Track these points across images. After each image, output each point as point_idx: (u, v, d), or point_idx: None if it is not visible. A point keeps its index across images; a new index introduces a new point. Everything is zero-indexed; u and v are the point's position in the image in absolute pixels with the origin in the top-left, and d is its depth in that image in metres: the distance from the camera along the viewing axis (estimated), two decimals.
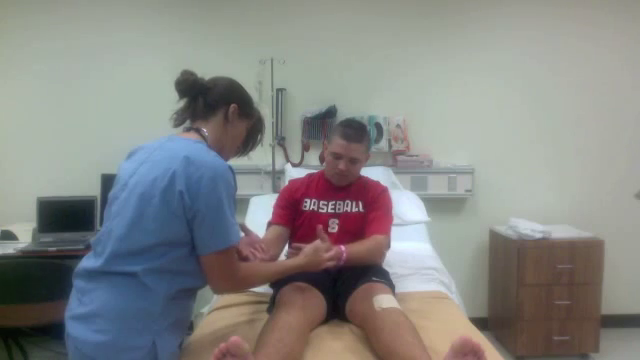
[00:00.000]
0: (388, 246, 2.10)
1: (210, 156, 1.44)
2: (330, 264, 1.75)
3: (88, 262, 1.44)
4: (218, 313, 1.96)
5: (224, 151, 1.60)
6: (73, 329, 1.38)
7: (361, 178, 2.18)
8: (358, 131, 2.06)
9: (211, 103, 1.57)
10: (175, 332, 1.47)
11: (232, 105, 1.58)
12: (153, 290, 1.37)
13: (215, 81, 1.61)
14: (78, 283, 1.44)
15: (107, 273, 1.38)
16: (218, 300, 2.12)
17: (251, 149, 1.77)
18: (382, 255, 2.06)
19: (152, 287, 1.37)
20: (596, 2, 3.40)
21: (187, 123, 1.61)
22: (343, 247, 1.83)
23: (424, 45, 3.39)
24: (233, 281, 1.49)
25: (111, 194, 1.53)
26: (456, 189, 3.39)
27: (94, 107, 3.34)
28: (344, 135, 2.02)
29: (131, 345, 1.35)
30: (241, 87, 1.67)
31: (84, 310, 1.38)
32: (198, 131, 1.55)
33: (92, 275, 1.41)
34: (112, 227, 1.42)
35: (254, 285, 1.67)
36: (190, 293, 1.52)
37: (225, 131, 1.59)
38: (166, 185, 1.38)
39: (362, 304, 1.75)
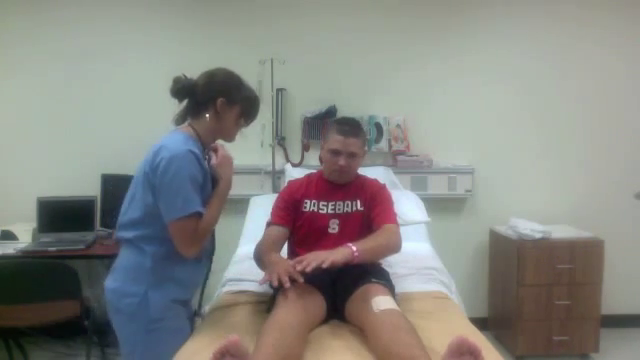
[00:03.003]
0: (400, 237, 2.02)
1: (178, 143, 1.66)
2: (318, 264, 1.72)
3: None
4: (218, 313, 1.97)
5: (224, 136, 1.83)
6: (106, 280, 1.79)
7: (359, 177, 2.18)
8: (354, 126, 2.08)
9: (199, 103, 1.77)
10: (168, 287, 1.75)
11: (218, 100, 1.75)
12: (145, 250, 1.72)
13: (199, 79, 1.79)
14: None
15: (120, 240, 1.79)
16: (218, 300, 2.13)
17: (251, 121, 1.90)
18: (398, 243, 1.97)
19: (144, 248, 1.72)
20: (596, 3, 3.39)
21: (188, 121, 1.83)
22: (354, 247, 1.78)
23: (424, 45, 3.39)
24: (196, 244, 1.71)
25: None
26: (456, 189, 3.39)
27: (94, 107, 3.34)
28: (341, 131, 2.04)
29: (129, 292, 1.71)
30: (223, 76, 1.80)
31: (113, 266, 1.80)
32: (191, 126, 1.78)
33: (118, 241, 1.81)
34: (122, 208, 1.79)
35: (211, 228, 1.78)
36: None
37: (219, 122, 1.78)
38: (145, 170, 1.69)
39: (360, 306, 1.75)
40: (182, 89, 1.76)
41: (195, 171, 1.67)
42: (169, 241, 1.69)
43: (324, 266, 1.68)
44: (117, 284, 1.74)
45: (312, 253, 1.76)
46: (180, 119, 1.82)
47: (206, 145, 1.79)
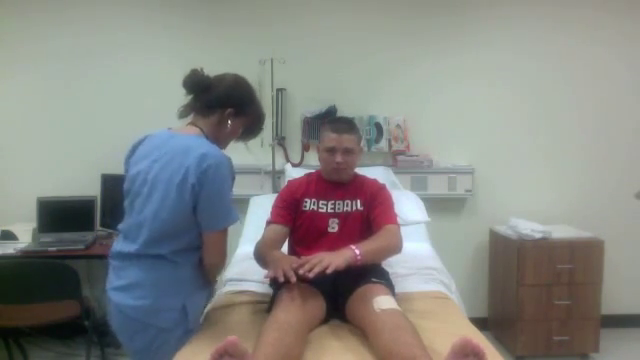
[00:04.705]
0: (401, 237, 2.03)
1: (213, 148, 1.62)
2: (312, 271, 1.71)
3: (122, 247, 1.68)
4: (218, 313, 1.96)
5: (219, 142, 1.75)
6: (115, 297, 1.66)
7: (358, 176, 2.18)
8: (347, 123, 2.11)
9: (209, 104, 1.72)
10: (202, 293, 1.76)
11: (228, 110, 1.72)
12: (181, 263, 1.64)
13: (219, 81, 1.74)
14: (113, 262, 1.70)
15: (140, 256, 1.63)
16: (218, 300, 2.12)
17: (249, 139, 1.90)
18: (399, 244, 1.98)
19: (180, 262, 1.64)
20: (596, 3, 3.39)
21: (190, 117, 1.77)
22: (357, 250, 1.79)
23: (424, 45, 3.39)
24: (225, 256, 1.72)
25: (130, 189, 1.69)
26: (456, 189, 3.39)
27: (94, 107, 3.34)
28: (335, 129, 2.06)
29: (167, 307, 1.64)
30: (242, 87, 1.78)
31: (123, 282, 1.65)
32: (196, 125, 1.72)
33: (126, 257, 1.66)
34: (142, 220, 1.63)
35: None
36: None
37: (219, 129, 1.74)
38: (180, 180, 1.57)
39: (361, 306, 1.75)
40: (197, 83, 1.71)
41: (233, 180, 1.69)
42: (200, 248, 1.67)
43: (328, 272, 1.69)
44: (148, 301, 1.61)
45: (315, 255, 1.76)
46: (184, 113, 1.77)
47: None
